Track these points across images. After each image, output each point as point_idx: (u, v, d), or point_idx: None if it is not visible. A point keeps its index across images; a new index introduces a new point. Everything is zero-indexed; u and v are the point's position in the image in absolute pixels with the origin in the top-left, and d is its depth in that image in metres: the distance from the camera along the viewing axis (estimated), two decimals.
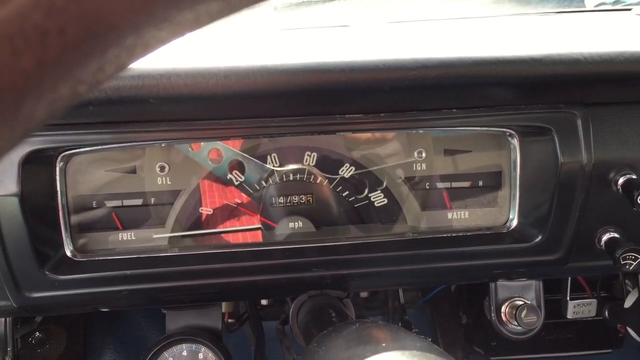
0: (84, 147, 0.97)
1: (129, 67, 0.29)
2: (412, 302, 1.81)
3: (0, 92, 0.25)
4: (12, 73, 0.25)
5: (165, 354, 1.10)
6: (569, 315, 1.35)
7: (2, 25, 0.24)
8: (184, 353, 1.11)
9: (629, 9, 1.23)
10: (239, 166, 1.08)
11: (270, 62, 0.88)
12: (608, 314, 1.35)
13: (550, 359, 1.77)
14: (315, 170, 1.10)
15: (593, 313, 1.35)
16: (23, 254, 0.95)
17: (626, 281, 1.33)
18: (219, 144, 1.07)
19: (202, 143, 1.06)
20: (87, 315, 1.67)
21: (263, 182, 1.10)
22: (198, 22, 0.28)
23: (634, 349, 1.79)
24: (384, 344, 0.67)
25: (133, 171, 1.06)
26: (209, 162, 1.08)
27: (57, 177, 0.99)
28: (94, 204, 1.06)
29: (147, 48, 0.28)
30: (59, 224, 1.00)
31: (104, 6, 0.25)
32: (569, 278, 1.34)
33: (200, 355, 1.11)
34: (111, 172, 1.05)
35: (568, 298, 1.34)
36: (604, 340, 1.73)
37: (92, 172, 1.04)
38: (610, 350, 1.76)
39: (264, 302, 1.50)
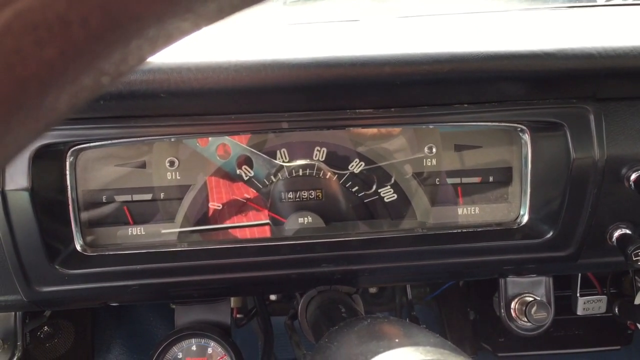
0: (94, 142, 0.97)
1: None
2: (419, 298, 1.80)
3: (24, 83, 0.24)
4: (35, 63, 0.24)
5: (175, 348, 1.10)
6: (579, 312, 1.34)
7: (25, 14, 0.24)
8: (193, 348, 1.11)
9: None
10: (248, 161, 1.08)
11: (282, 57, 0.88)
12: (618, 310, 1.35)
13: (558, 355, 1.77)
14: (325, 166, 1.09)
15: (603, 309, 1.34)
16: (33, 249, 0.95)
17: (636, 277, 1.32)
18: (227, 139, 1.06)
19: (210, 138, 1.06)
20: (95, 309, 1.67)
21: (272, 178, 1.09)
22: (221, 13, 0.28)
23: None
24: (396, 340, 0.67)
25: (143, 166, 1.06)
26: (217, 158, 1.07)
27: (67, 172, 0.99)
28: (103, 199, 1.06)
29: (169, 39, 0.28)
30: (69, 218, 1.00)
31: None
32: (579, 274, 1.33)
33: (210, 350, 1.11)
34: (121, 166, 1.05)
35: (578, 294, 1.33)
36: (612, 337, 1.73)
37: (102, 166, 1.04)
38: (618, 347, 1.75)
39: (272, 297, 1.50)
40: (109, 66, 0.27)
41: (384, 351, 0.64)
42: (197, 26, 0.28)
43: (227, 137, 1.06)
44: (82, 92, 0.26)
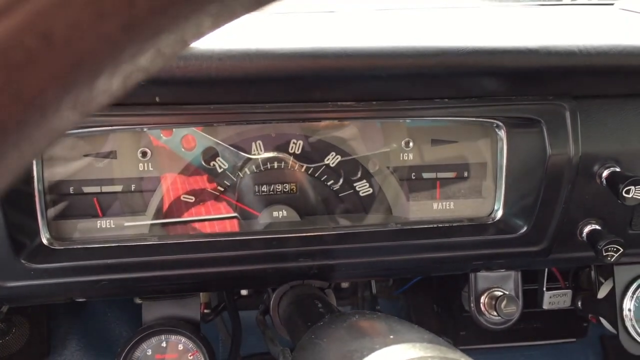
0: None
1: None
2: (383, 292, 1.80)
3: (82, 60, 0.22)
4: (94, 38, 0.22)
5: (144, 345, 1.07)
6: (545, 306, 1.36)
7: None
8: (163, 344, 1.08)
9: (612, 4, 1.25)
10: (219, 154, 1.05)
11: (266, 47, 0.85)
12: (581, 304, 1.38)
13: (516, 348, 1.80)
14: (300, 158, 1.08)
15: (568, 303, 1.37)
16: None
17: (597, 272, 1.35)
18: (194, 130, 1.03)
19: (174, 129, 1.03)
20: (51, 304, 1.61)
21: (247, 170, 1.07)
22: None
23: (596, 339, 1.84)
24: (391, 336, 0.66)
25: (113, 156, 1.02)
26: (182, 149, 1.04)
27: (34, 161, 0.94)
28: (71, 190, 1.01)
29: (232, 16, 0.26)
30: (35, 210, 0.95)
31: None
32: (546, 269, 1.35)
33: (180, 347, 1.08)
34: (90, 157, 1.01)
35: (544, 289, 1.35)
36: (568, 329, 1.77)
37: (69, 157, 1.00)
38: (574, 340, 1.80)
39: (243, 292, 1.47)
40: (167, 44, 0.24)
41: (380, 347, 0.63)
42: (261, 3, 0.26)
43: (193, 128, 1.03)
44: (137, 73, 0.24)
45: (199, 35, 0.25)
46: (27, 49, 0.21)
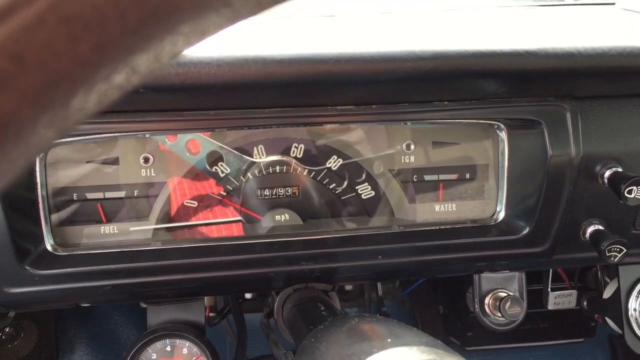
0: (65, 138, 0.93)
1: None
2: (389, 294, 1.80)
3: (55, 81, 0.22)
4: (68, 59, 0.22)
5: (149, 349, 1.07)
6: (550, 306, 1.36)
7: (60, 6, 0.22)
8: (168, 348, 1.09)
9: (613, 3, 1.24)
10: (219, 158, 1.06)
11: (265, 52, 0.86)
12: (587, 304, 1.37)
13: (524, 348, 1.80)
14: (302, 162, 1.08)
15: (574, 304, 1.36)
16: (2, 249, 0.91)
17: (603, 272, 1.35)
18: (198, 135, 1.04)
19: (178, 134, 1.03)
20: (59, 309, 1.62)
21: (249, 175, 1.07)
22: (260, 6, 0.26)
23: (604, 338, 1.83)
24: (389, 340, 0.66)
25: (115, 162, 1.03)
26: (187, 154, 1.05)
27: (37, 168, 0.95)
28: (74, 197, 1.02)
29: (203, 34, 0.26)
30: (39, 217, 0.96)
31: None
32: (550, 269, 1.35)
33: (185, 351, 1.09)
34: (93, 163, 1.02)
35: (549, 289, 1.35)
36: (576, 329, 1.76)
37: (72, 163, 1.01)
38: (582, 340, 1.79)
39: (247, 295, 1.48)
40: (142, 63, 0.25)
41: (377, 351, 0.63)
42: (232, 21, 0.26)
43: (198, 133, 1.04)
44: (112, 90, 0.25)
45: (173, 53, 0.26)
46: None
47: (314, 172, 1.09)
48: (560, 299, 1.35)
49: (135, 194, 1.05)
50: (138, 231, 1.06)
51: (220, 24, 0.26)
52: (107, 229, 1.04)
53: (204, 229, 1.09)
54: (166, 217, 1.06)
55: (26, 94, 0.22)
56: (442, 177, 1.12)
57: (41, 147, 0.24)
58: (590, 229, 1.08)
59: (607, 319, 1.31)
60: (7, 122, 0.22)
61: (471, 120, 1.02)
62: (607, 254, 1.04)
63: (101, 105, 0.25)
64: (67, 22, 0.22)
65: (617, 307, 1.25)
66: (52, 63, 0.22)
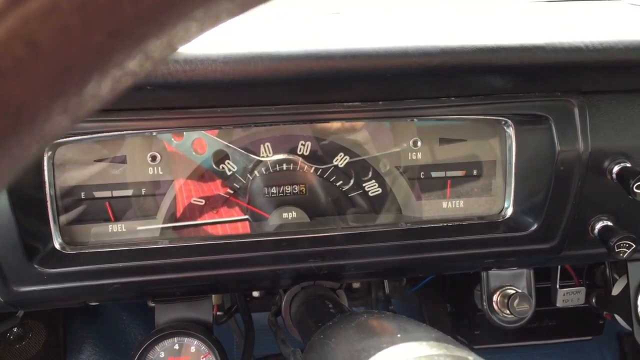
0: (73, 137, 0.94)
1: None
2: (396, 292, 1.80)
3: (70, 67, 0.22)
4: (82, 45, 0.22)
5: (157, 347, 1.07)
6: (559, 304, 1.35)
7: None
8: (176, 347, 1.09)
9: None
10: (226, 157, 1.06)
11: (272, 49, 0.86)
12: (595, 301, 1.37)
13: (532, 346, 1.79)
14: (309, 160, 1.08)
15: (582, 301, 1.36)
16: (11, 247, 0.91)
17: (611, 269, 1.34)
18: (204, 134, 1.04)
19: (185, 133, 1.03)
20: (67, 308, 1.62)
21: (256, 173, 1.07)
22: None
23: (612, 337, 1.82)
24: (398, 335, 0.66)
25: (123, 161, 1.03)
26: (193, 153, 1.05)
27: (45, 167, 0.95)
28: (82, 195, 1.02)
29: (217, 21, 0.26)
30: (48, 216, 0.96)
31: None
32: (559, 266, 1.34)
33: (193, 349, 1.09)
34: (100, 162, 1.02)
35: (558, 286, 1.34)
36: (584, 327, 1.76)
37: (80, 162, 1.01)
38: (590, 338, 1.79)
39: (255, 294, 1.48)
40: (155, 49, 0.25)
41: (387, 347, 0.63)
42: (245, 8, 0.26)
43: (203, 131, 1.04)
44: (125, 77, 0.25)
45: (186, 39, 0.26)
46: (14, 58, 0.21)
47: (320, 170, 1.09)
48: (569, 296, 1.34)
49: (143, 192, 1.05)
50: (146, 230, 1.06)
51: (233, 11, 0.26)
52: (115, 227, 1.05)
53: (211, 228, 1.09)
54: (173, 215, 1.07)
55: (40, 80, 0.22)
56: (449, 173, 1.12)
57: (55, 134, 0.24)
58: (599, 225, 1.08)
59: (616, 316, 1.30)
60: (21, 108, 0.22)
61: (478, 116, 1.02)
62: (616, 250, 1.03)
63: (114, 92, 0.25)
64: (81, 7, 0.22)
65: (626, 304, 1.25)
66: (67, 49, 0.22)
